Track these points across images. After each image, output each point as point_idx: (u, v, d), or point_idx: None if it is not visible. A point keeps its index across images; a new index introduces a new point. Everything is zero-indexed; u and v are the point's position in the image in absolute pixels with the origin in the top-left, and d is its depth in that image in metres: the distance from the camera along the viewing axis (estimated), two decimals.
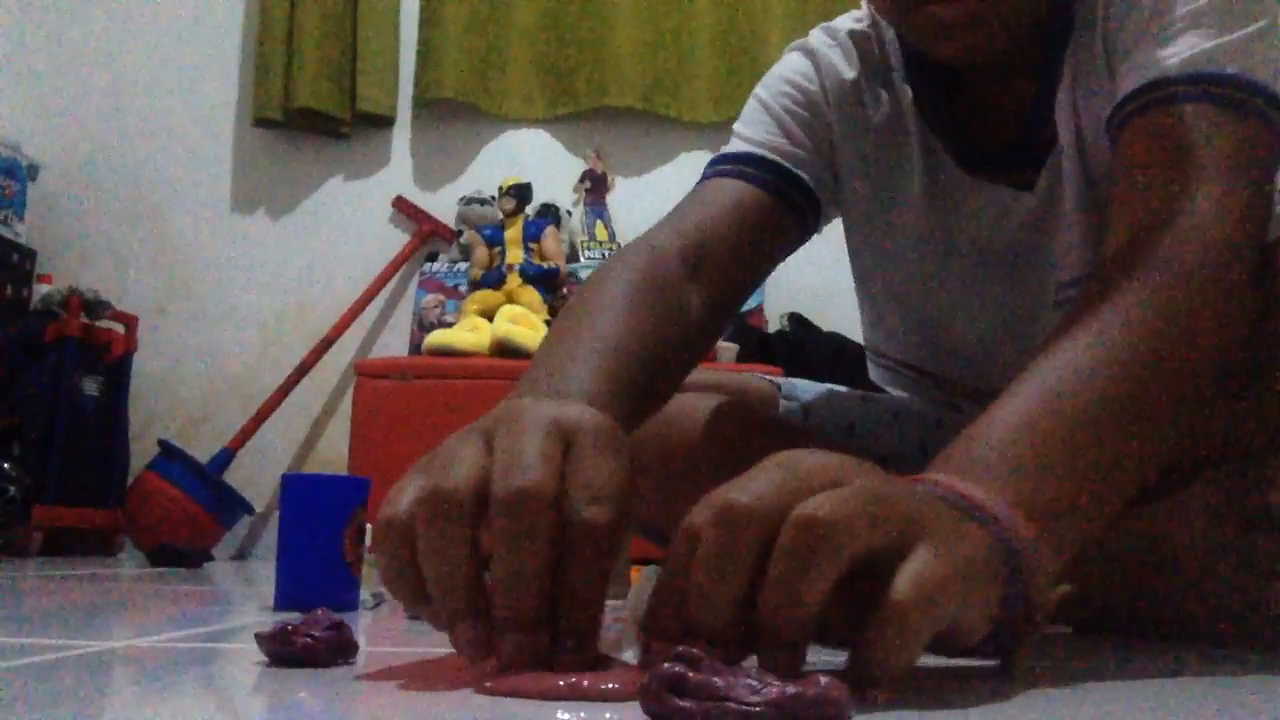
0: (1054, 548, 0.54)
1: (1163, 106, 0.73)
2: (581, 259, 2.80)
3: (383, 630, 0.84)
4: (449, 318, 2.70)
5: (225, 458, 2.59)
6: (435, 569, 0.50)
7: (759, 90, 1.00)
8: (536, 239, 2.72)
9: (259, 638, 0.58)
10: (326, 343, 2.74)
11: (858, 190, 0.99)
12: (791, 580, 0.45)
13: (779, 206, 0.93)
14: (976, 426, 0.59)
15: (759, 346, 2.54)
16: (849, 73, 0.97)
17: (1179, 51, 0.74)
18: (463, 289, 2.74)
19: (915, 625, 0.45)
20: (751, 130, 0.96)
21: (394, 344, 2.85)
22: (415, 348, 2.67)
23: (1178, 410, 0.63)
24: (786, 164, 0.94)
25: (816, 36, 1.00)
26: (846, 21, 1.00)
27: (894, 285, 1.04)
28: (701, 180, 0.96)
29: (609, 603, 0.88)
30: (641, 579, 0.83)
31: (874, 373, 1.17)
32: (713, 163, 0.97)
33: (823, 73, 0.98)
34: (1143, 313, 0.63)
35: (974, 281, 0.97)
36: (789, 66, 1.00)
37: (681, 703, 0.41)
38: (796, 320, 2.60)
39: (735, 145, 0.96)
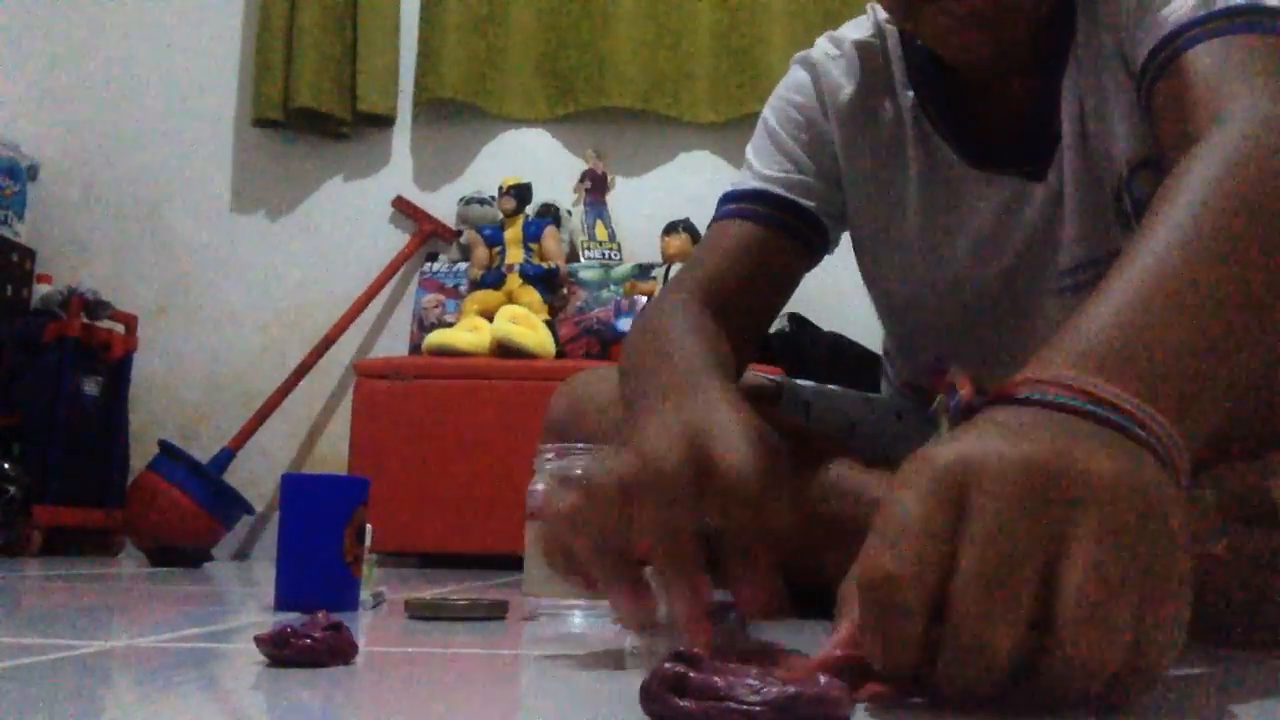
0: (1186, 442, 0.48)
1: (1182, 55, 0.75)
2: (581, 259, 2.80)
3: (383, 630, 0.84)
4: (449, 318, 2.70)
5: (225, 458, 2.59)
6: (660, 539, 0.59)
7: (766, 113, 1.05)
8: (536, 239, 2.71)
9: (258, 640, 0.58)
10: (326, 343, 2.74)
11: (859, 199, 1.02)
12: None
13: (785, 239, 1.00)
14: (1081, 316, 0.53)
15: (759, 346, 2.54)
16: (848, 86, 1.01)
17: (1183, 3, 0.76)
18: (463, 289, 2.74)
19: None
20: (760, 162, 1.03)
21: (394, 344, 2.85)
22: (415, 348, 2.67)
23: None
24: (791, 196, 1.00)
25: (821, 46, 1.04)
26: (851, 30, 1.03)
27: (896, 290, 1.06)
28: (715, 219, 1.03)
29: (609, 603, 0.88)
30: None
31: (884, 388, 1.19)
32: (724, 200, 1.03)
33: (822, 87, 1.02)
34: (1222, 196, 0.58)
35: (978, 274, 0.98)
36: (791, 83, 1.05)
37: (682, 703, 0.41)
38: (796, 320, 2.60)
39: (745, 179, 1.03)
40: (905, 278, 1.04)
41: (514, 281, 2.65)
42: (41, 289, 2.71)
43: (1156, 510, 0.42)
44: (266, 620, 0.87)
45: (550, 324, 2.59)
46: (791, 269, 1.03)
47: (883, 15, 1.02)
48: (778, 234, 1.00)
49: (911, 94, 0.97)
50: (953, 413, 0.68)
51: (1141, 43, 0.79)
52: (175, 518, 2.40)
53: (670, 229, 2.74)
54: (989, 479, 0.42)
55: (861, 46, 1.01)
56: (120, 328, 2.71)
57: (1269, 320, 0.55)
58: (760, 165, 1.03)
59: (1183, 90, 0.73)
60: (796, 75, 1.05)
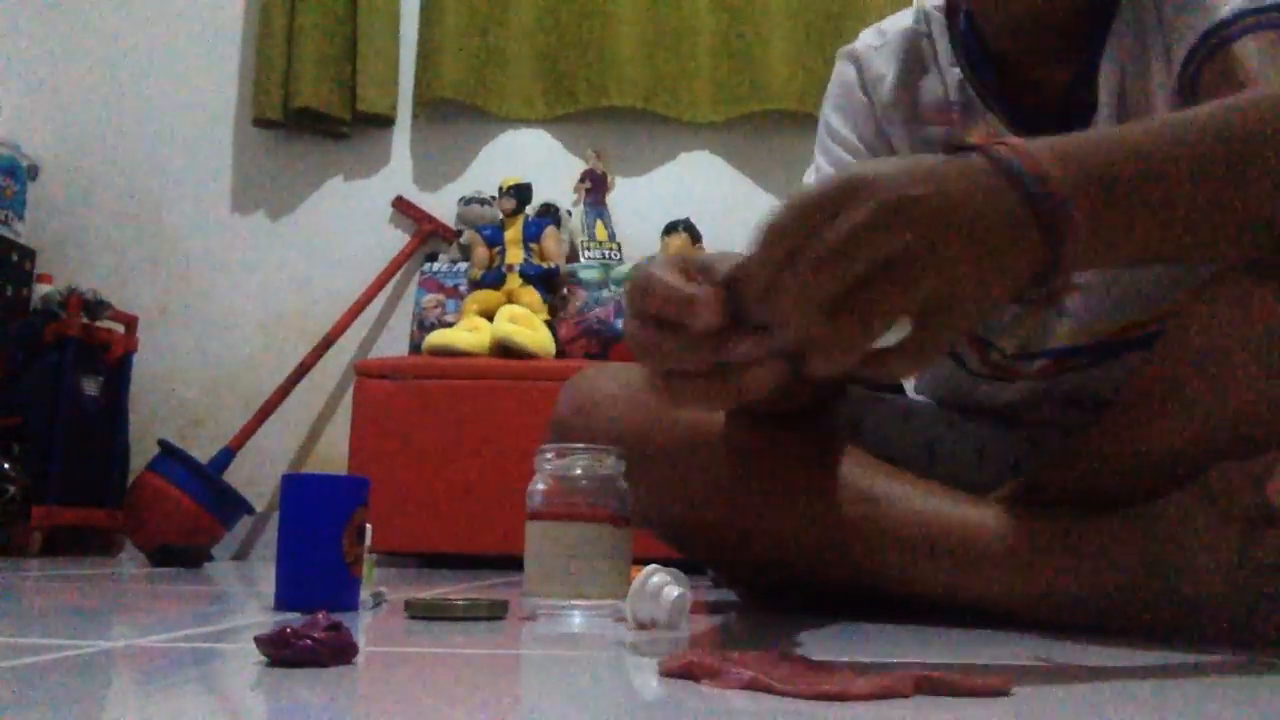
0: (1090, 212, 0.60)
1: (1223, 49, 0.79)
2: (581, 259, 2.80)
3: (383, 630, 0.84)
4: (449, 318, 2.70)
5: (225, 458, 2.59)
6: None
7: (824, 109, 1.12)
8: (536, 239, 2.72)
9: (259, 640, 0.58)
10: (326, 343, 2.74)
11: None
12: None
13: None
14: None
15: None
16: (889, 72, 1.06)
17: None
18: (463, 289, 2.74)
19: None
20: (825, 157, 1.09)
21: (394, 344, 2.85)
22: (415, 348, 2.67)
23: (1247, 198, 0.67)
24: None
25: (864, 37, 1.11)
26: (898, 20, 1.09)
27: None
28: None
29: (609, 603, 0.89)
30: (641, 579, 0.83)
31: None
32: None
33: (864, 74, 1.08)
34: (1235, 114, 0.68)
35: None
36: (837, 78, 1.12)
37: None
38: None
39: (815, 175, 1.08)
40: None
41: (514, 281, 2.65)
42: (41, 289, 2.71)
43: (958, 220, 0.56)
44: (266, 620, 0.87)
45: (550, 324, 2.59)
46: None
47: (930, 2, 1.07)
48: None
49: (958, 70, 1.02)
50: None
51: (1190, 26, 0.83)
52: (175, 518, 2.40)
53: (670, 229, 2.74)
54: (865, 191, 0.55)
55: (905, 33, 1.07)
56: (120, 328, 2.71)
57: (1217, 203, 0.66)
58: (825, 161, 1.08)
59: (1222, 83, 0.78)
60: (842, 69, 1.10)
